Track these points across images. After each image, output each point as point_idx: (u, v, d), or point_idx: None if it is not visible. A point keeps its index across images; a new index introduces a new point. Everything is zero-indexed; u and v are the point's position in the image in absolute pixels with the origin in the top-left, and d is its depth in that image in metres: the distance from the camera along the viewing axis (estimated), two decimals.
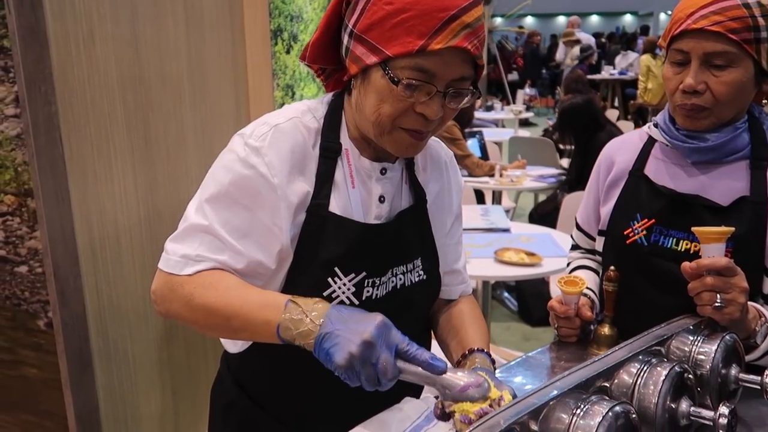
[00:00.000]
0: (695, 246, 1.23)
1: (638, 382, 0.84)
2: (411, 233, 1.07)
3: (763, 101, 1.31)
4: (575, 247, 1.57)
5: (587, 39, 11.94)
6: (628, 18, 23.26)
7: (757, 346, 1.09)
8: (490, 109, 8.74)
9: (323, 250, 0.96)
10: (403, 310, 1.04)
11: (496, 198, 4.31)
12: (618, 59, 11.42)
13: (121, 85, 1.78)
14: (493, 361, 1.03)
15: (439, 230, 1.14)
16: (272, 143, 0.94)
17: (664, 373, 0.84)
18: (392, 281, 1.04)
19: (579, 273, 1.46)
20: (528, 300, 3.71)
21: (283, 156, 0.94)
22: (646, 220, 1.29)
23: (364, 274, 0.98)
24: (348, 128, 1.01)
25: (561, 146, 6.11)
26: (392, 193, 1.04)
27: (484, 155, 4.63)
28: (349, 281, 0.98)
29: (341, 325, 0.80)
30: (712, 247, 1.03)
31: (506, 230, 2.87)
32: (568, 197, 3.27)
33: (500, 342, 3.49)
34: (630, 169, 1.37)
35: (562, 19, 20.44)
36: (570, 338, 1.28)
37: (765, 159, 1.22)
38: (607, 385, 0.85)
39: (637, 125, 7.53)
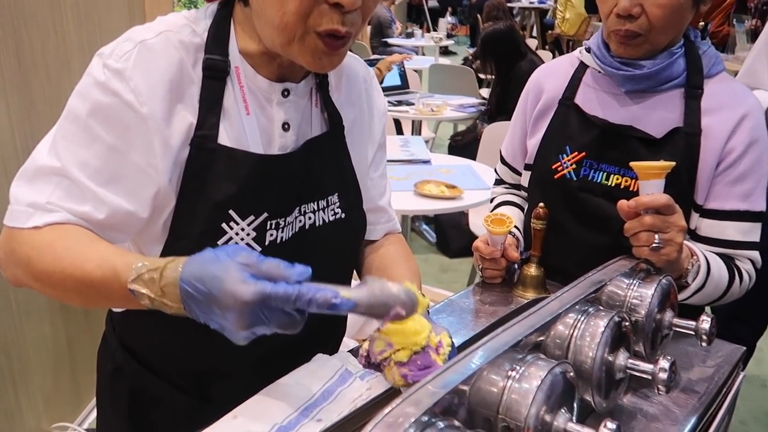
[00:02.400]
0: (626, 180, 1.16)
1: (575, 334, 0.77)
2: (324, 165, 0.92)
3: (700, 23, 1.24)
4: (499, 181, 1.48)
5: None
6: None
7: (687, 286, 1.05)
8: (410, 36, 8.50)
9: (214, 190, 0.80)
10: (311, 253, 0.89)
11: (416, 128, 4.20)
12: None
13: None
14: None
15: (360, 162, 1.00)
16: (138, 64, 0.76)
17: (602, 323, 0.77)
18: (300, 221, 0.90)
19: (503, 210, 1.38)
20: (446, 232, 3.69)
21: (154, 79, 0.76)
22: (576, 153, 1.21)
23: (265, 215, 0.84)
24: (239, 42, 0.83)
25: (481, 75, 6.04)
26: (299, 118, 0.89)
27: (405, 83, 4.49)
28: (248, 225, 0.83)
29: (204, 310, 0.64)
30: (651, 184, 0.95)
31: (426, 162, 2.78)
32: (489, 128, 3.20)
33: None
34: (560, 97, 1.27)
35: None
36: (495, 279, 1.21)
37: (699, 87, 1.15)
38: (543, 338, 0.77)
39: (554, 56, 7.55)
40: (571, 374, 0.68)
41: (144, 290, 0.66)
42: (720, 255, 1.13)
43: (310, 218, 0.91)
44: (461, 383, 0.61)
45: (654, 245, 0.93)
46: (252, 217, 0.83)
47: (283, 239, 0.88)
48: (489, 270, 1.20)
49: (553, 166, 1.24)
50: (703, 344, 0.86)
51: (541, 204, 1.15)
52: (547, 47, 9.09)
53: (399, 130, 4.03)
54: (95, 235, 0.76)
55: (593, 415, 0.82)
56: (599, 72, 1.23)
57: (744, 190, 1.12)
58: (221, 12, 0.84)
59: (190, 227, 0.81)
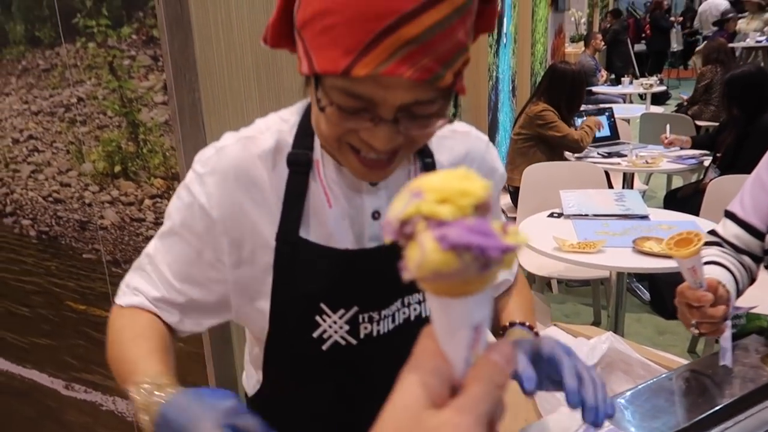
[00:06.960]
0: None
1: None
2: None
3: None
4: (715, 244, 1.34)
5: (723, 3, 10.98)
6: None
7: None
8: (616, 83, 8.24)
9: (302, 283, 0.82)
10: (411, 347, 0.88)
11: (627, 181, 4.04)
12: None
13: (255, 68, 1.80)
14: (536, 333, 0.92)
15: None
16: (215, 170, 0.80)
17: None
18: (404, 313, 0.88)
19: (710, 270, 1.21)
20: (662, 290, 3.46)
21: (228, 185, 0.80)
22: None
23: (355, 308, 0.84)
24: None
25: (699, 123, 5.66)
26: None
27: (614, 134, 4.36)
28: (340, 318, 0.83)
29: None
30: None
31: (644, 217, 2.67)
32: (715, 181, 2.98)
33: (631, 334, 3.29)
34: None
35: None
36: (715, 333, 1.06)
37: None
38: None
39: None
40: None
41: (137, 397, 0.72)
42: None
43: (415, 309, 0.88)
44: None
45: None
46: (342, 311, 0.84)
47: (380, 332, 0.86)
48: (704, 324, 1.05)
49: None
50: None
51: None
52: None
53: (609, 183, 3.91)
54: (152, 332, 0.84)
55: None
56: None
57: None
58: (309, 107, 0.84)
59: (286, 319, 0.84)
